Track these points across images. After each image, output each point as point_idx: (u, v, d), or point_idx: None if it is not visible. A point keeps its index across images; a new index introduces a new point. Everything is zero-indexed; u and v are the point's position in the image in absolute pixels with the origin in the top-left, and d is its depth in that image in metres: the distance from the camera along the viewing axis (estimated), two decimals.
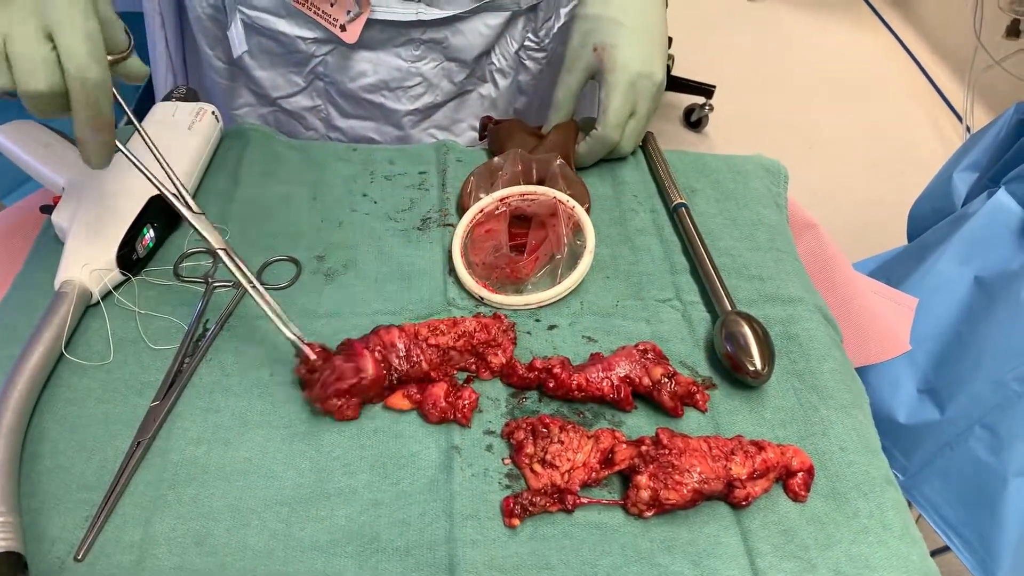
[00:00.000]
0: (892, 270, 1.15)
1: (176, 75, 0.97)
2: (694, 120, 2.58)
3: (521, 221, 0.72)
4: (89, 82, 0.49)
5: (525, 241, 0.70)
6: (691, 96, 2.57)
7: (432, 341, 0.59)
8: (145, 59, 0.93)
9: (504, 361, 0.60)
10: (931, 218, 1.24)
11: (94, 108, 0.51)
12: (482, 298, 0.66)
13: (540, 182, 0.74)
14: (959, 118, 2.66)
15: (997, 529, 0.97)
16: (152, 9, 0.91)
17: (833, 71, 2.89)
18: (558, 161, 0.74)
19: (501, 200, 0.72)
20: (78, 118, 0.51)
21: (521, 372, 0.59)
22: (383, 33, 0.82)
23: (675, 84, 2.56)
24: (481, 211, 0.71)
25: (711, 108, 2.55)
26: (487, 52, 0.87)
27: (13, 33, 0.48)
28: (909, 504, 1.10)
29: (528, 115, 0.95)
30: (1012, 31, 2.55)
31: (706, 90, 2.53)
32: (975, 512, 0.99)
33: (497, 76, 0.89)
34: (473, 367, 0.60)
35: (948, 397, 1.01)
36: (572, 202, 0.71)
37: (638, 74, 0.75)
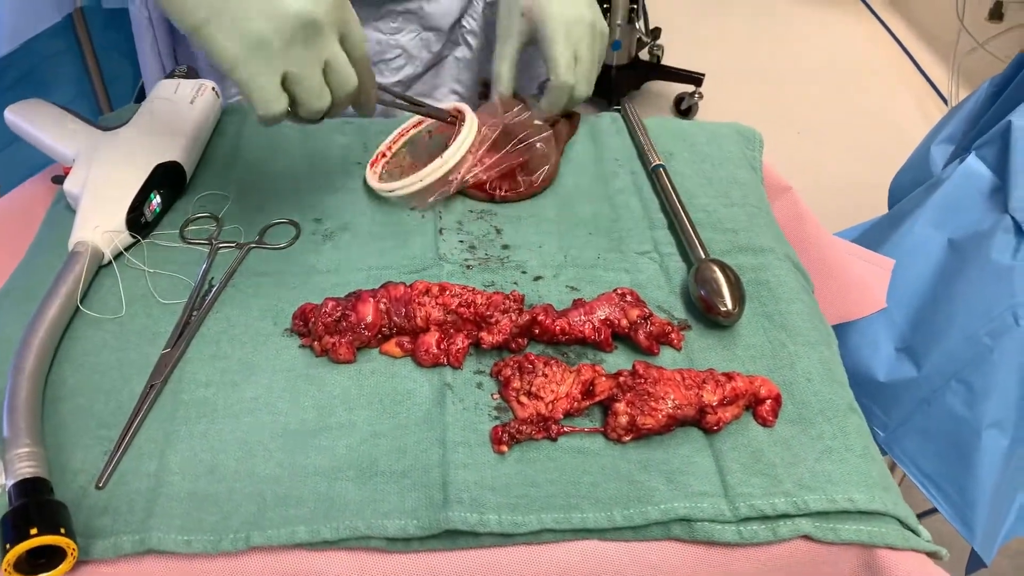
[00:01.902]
0: (872, 236, 1.19)
1: (166, 70, 0.99)
2: (684, 108, 2.62)
3: None
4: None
5: None
6: (681, 84, 2.62)
7: (440, 300, 0.62)
8: (131, 55, 0.96)
9: (497, 342, 0.61)
10: (910, 189, 1.28)
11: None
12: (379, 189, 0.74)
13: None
14: (945, 101, 2.70)
15: (973, 480, 1.00)
16: (138, 10, 0.92)
17: (821, 57, 2.93)
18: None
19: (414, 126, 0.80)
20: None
21: (512, 334, 0.62)
22: (362, 9, 0.86)
23: (665, 73, 2.60)
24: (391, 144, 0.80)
25: (700, 96, 2.60)
26: (461, 16, 0.91)
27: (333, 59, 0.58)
28: (893, 468, 1.14)
29: None
30: (995, 14, 2.60)
31: (695, 78, 2.58)
32: (952, 465, 1.03)
33: (469, 38, 0.93)
34: (473, 333, 0.62)
35: (924, 355, 1.04)
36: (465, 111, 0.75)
37: (570, 20, 0.76)
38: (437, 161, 0.72)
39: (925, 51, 2.94)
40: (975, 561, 1.04)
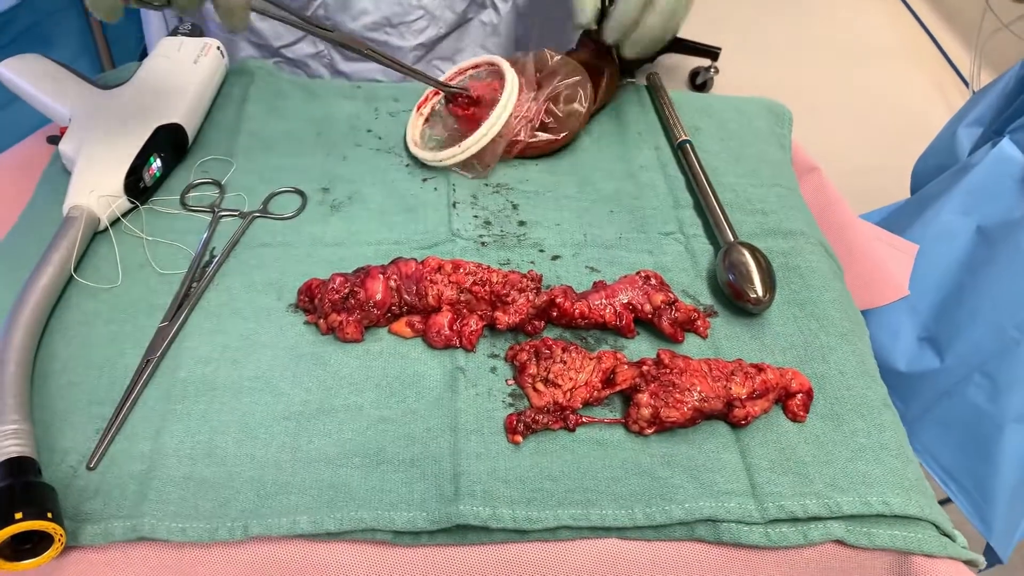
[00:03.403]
0: (895, 221, 1.15)
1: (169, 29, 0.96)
2: (699, 83, 2.57)
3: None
4: None
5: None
6: (697, 59, 2.56)
7: (454, 278, 0.59)
8: (136, 12, 0.92)
9: (514, 322, 0.58)
10: (935, 174, 1.24)
11: None
12: (423, 159, 0.72)
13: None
14: (966, 83, 2.64)
15: (993, 475, 0.98)
16: None
17: (839, 34, 2.86)
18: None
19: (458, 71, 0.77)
20: None
21: (529, 315, 0.59)
22: None
23: (681, 46, 2.55)
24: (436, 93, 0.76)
25: (716, 71, 2.54)
26: None
27: None
28: None
29: (528, 40, 0.95)
30: None
31: (712, 52, 2.52)
32: (972, 459, 1.00)
33: (498, 1, 0.89)
34: (487, 314, 0.59)
35: (948, 345, 1.01)
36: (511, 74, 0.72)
37: None
38: (471, 138, 0.70)
39: (947, 31, 2.87)
40: (990, 557, 1.02)
